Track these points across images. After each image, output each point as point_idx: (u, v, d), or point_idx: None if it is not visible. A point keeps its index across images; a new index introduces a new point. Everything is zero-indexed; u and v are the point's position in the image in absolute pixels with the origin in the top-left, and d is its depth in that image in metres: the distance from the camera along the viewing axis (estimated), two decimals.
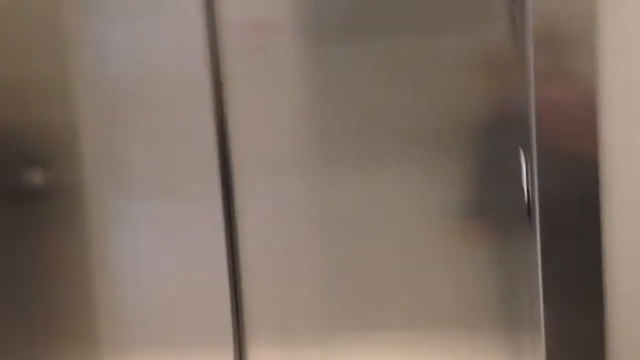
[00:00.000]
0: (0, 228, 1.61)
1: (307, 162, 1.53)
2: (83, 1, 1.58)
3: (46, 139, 1.59)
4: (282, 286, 1.57)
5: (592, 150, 1.13)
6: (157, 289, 1.61)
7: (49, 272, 1.62)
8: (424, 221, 1.47)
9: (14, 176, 1.60)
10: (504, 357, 1.49)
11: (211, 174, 1.55)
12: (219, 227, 1.55)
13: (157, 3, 1.55)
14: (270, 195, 1.55)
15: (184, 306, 1.60)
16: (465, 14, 1.40)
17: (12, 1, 1.57)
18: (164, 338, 1.61)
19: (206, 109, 1.54)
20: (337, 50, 1.49)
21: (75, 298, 1.63)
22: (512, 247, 1.43)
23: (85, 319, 1.64)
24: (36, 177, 1.59)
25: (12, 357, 1.64)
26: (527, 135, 1.29)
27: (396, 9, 1.44)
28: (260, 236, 1.56)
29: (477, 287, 1.46)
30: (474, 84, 1.40)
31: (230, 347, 1.59)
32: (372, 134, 1.48)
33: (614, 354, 1.18)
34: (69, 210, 1.59)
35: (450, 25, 1.42)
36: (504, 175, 1.40)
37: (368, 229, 1.51)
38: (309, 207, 1.54)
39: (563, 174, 1.17)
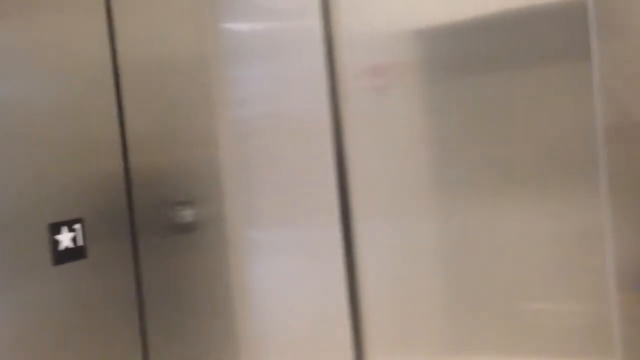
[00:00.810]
0: (158, 256, 1.86)
1: (425, 193, 1.63)
2: (223, 51, 1.80)
3: (193, 179, 1.84)
4: (400, 311, 1.68)
5: None
6: (283, 308, 1.81)
7: (197, 292, 1.87)
8: (544, 249, 1.50)
9: (169, 212, 1.87)
10: None
11: (331, 205, 1.71)
12: (338, 254, 1.70)
13: (285, 49, 1.72)
14: (388, 225, 1.68)
15: (307, 324, 1.78)
16: (576, 46, 1.42)
17: (162, 57, 1.83)
18: (291, 354, 1.80)
19: (327, 145, 1.70)
20: (453, 88, 1.57)
21: (217, 314, 1.87)
22: None
23: (225, 332, 1.87)
24: (186, 213, 1.85)
25: None
26: None
27: (510, 44, 1.50)
28: (378, 264, 1.69)
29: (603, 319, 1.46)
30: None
31: None
32: (490, 167, 1.54)
33: None
34: (213, 240, 1.84)
35: (562, 56, 1.45)
36: None
37: (485, 257, 1.57)
38: (426, 236, 1.64)
39: None
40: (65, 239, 1.71)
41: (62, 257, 1.71)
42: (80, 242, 1.75)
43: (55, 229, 1.70)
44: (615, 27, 1.13)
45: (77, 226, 1.74)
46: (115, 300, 1.82)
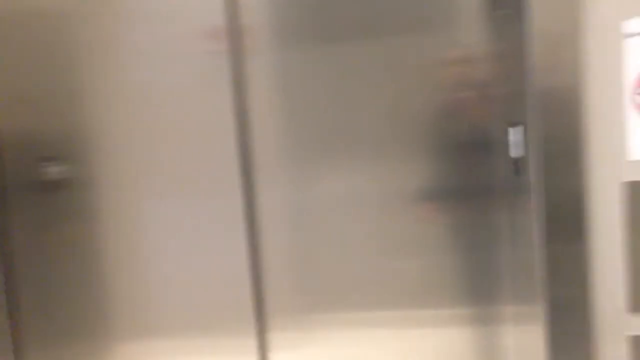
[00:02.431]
0: (28, 216, 1.70)
1: (278, 159, 1.62)
2: (104, 6, 1.65)
3: (63, 136, 1.67)
4: (296, 270, 1.65)
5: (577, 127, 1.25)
6: (175, 278, 1.68)
7: (67, 257, 1.71)
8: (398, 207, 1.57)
9: (38, 170, 1.68)
10: (475, 329, 1.59)
11: (232, 167, 1.61)
12: (239, 221, 1.62)
13: (175, 8, 1.61)
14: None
15: (206, 293, 1.67)
16: (436, 16, 1.50)
17: (32, 8, 1.65)
18: (182, 324, 1.69)
19: (227, 106, 1.59)
20: (306, 54, 1.56)
21: (90, 284, 1.72)
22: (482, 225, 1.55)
23: (100, 305, 1.72)
24: (54, 170, 1.67)
25: (33, 336, 1.74)
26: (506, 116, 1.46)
27: (367, 12, 1.52)
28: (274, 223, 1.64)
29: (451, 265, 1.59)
30: (437, 81, 1.52)
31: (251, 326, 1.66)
32: (342, 131, 1.57)
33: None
34: (83, 201, 1.68)
35: (421, 25, 1.51)
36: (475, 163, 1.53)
37: (364, 215, 1.59)
38: (285, 201, 1.63)
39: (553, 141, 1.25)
40: None
41: None
42: None
43: None
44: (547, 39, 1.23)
45: None
46: None
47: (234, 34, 1.57)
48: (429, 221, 1.57)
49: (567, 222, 1.25)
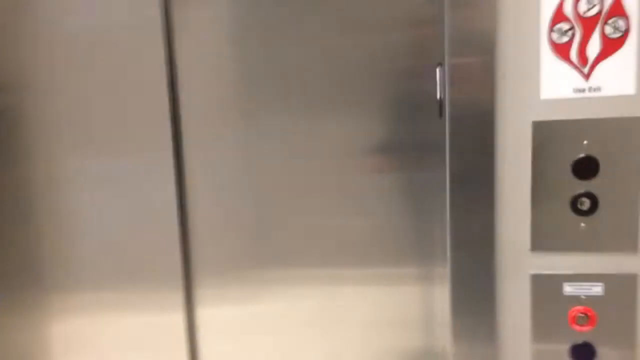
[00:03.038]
0: None
1: (236, 116, 1.59)
2: None
3: None
4: (225, 233, 1.63)
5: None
6: (103, 230, 1.66)
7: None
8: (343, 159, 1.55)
9: None
10: (415, 288, 1.56)
11: (163, 127, 1.59)
12: (169, 173, 1.60)
13: None
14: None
15: (134, 248, 1.65)
16: None
17: None
18: (110, 279, 1.68)
19: (159, 63, 1.56)
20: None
21: (16, 233, 1.70)
22: (421, 181, 1.52)
23: (26, 257, 1.70)
24: None
25: None
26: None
27: None
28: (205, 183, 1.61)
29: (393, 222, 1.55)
30: (388, 35, 1.48)
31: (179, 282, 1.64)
32: (294, 83, 1.53)
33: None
34: (12, 145, 1.66)
35: None
36: (414, 115, 1.50)
37: (298, 171, 1.57)
38: (238, 158, 1.60)
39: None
40: None
41: None
42: None
43: None
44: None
45: None
46: None
47: None
48: (374, 176, 1.54)
49: (476, 164, 1.23)
